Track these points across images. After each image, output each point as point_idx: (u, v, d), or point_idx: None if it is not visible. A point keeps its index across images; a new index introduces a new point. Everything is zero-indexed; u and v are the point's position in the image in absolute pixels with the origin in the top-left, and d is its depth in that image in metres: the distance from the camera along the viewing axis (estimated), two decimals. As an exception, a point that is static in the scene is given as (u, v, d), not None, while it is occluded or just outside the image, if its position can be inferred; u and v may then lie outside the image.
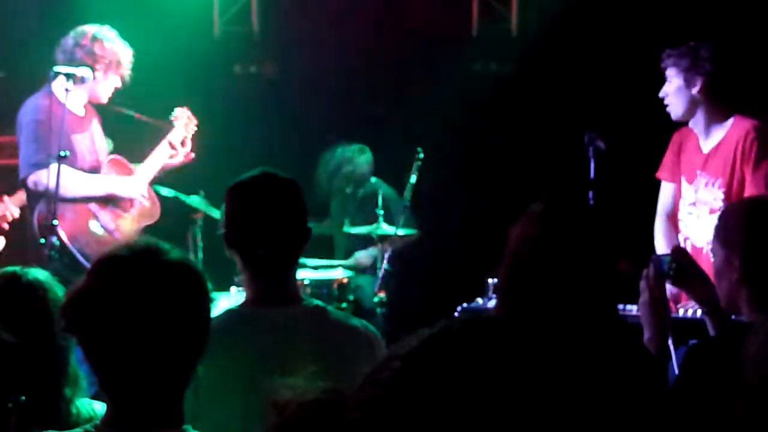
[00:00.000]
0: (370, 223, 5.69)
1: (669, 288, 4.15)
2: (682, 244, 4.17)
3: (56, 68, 4.55)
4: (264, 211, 2.59)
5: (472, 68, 6.10)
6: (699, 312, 3.87)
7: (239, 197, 2.64)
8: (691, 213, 4.15)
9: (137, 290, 1.80)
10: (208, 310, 1.90)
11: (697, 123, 4.09)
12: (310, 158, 5.80)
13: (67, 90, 4.50)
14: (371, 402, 1.17)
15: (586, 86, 5.71)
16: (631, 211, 4.50)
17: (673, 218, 4.29)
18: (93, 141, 4.84)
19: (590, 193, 4.34)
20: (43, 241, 4.35)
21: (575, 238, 2.19)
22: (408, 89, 6.08)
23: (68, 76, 4.52)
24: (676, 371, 2.76)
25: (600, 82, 5.67)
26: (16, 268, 2.49)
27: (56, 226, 4.33)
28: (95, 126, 4.90)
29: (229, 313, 2.65)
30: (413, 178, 5.32)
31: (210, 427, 1.90)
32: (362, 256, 5.79)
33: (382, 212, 5.48)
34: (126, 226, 4.83)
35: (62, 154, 4.32)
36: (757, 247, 2.50)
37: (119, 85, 4.82)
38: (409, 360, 1.16)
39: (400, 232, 5.36)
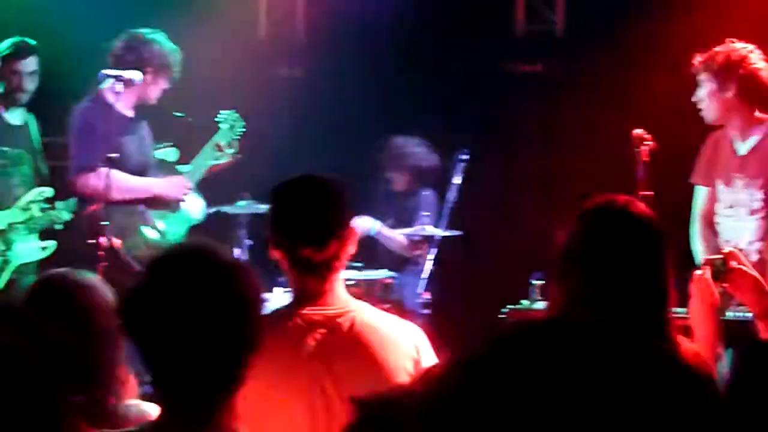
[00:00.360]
0: (407, 222, 5.73)
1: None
2: (722, 247, 4.13)
3: (105, 71, 4.60)
4: (307, 213, 2.59)
5: (515, 68, 6.07)
6: (744, 315, 3.86)
7: (283, 199, 2.64)
8: (730, 215, 4.12)
9: (192, 291, 1.81)
10: (261, 311, 1.90)
11: (732, 126, 4.07)
12: (355, 159, 5.78)
13: (116, 92, 4.55)
14: (441, 404, 1.19)
15: (632, 86, 5.65)
16: (679, 211, 4.45)
17: (708, 221, 4.27)
18: (142, 142, 4.89)
19: (638, 194, 4.30)
20: (91, 242, 4.41)
21: (627, 238, 2.16)
22: (451, 90, 6.07)
23: (118, 78, 4.57)
24: (726, 373, 2.72)
25: (647, 82, 5.61)
26: (66, 270, 2.50)
27: (105, 227, 4.38)
28: (144, 128, 4.95)
29: (274, 314, 2.63)
30: (457, 179, 5.31)
31: (253, 425, 1.90)
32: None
33: (427, 213, 5.49)
34: (173, 226, 4.87)
35: (111, 156, 4.37)
36: None
37: (167, 86, 4.86)
38: (477, 366, 1.19)
39: (444, 232, 5.35)
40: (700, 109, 4.10)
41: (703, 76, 4.02)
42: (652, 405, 1.47)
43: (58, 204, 5.13)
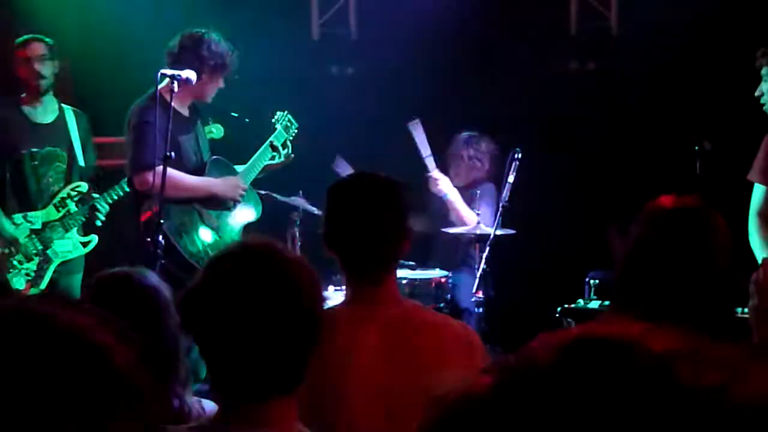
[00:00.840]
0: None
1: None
2: None
3: (162, 71, 4.63)
4: (362, 212, 2.55)
5: (569, 66, 6.01)
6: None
7: (338, 198, 2.61)
8: None
9: (252, 289, 1.79)
10: (321, 308, 1.87)
11: None
12: (406, 155, 5.76)
13: (173, 92, 4.57)
14: (511, 412, 1.17)
15: (689, 86, 5.56)
16: (737, 211, 4.39)
17: (765, 219, 4.21)
18: (197, 141, 4.91)
19: (696, 194, 4.25)
20: (149, 239, 4.43)
21: (692, 241, 2.13)
22: (506, 88, 6.02)
23: (174, 78, 4.60)
24: None
25: (703, 81, 5.52)
26: (127, 269, 2.51)
27: (162, 225, 4.41)
28: (199, 127, 4.97)
29: (328, 313, 2.62)
30: (511, 178, 5.26)
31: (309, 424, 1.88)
32: None
33: (479, 212, 5.45)
34: (228, 225, 4.89)
35: (168, 155, 4.40)
36: None
37: (222, 86, 4.88)
38: (550, 371, 1.17)
39: (498, 231, 5.31)
40: (761, 105, 4.03)
41: (765, 70, 3.93)
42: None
43: (96, 197, 5.18)
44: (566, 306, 4.31)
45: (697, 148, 4.27)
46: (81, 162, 5.28)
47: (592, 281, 4.21)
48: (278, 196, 5.10)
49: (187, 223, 4.73)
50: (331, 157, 5.57)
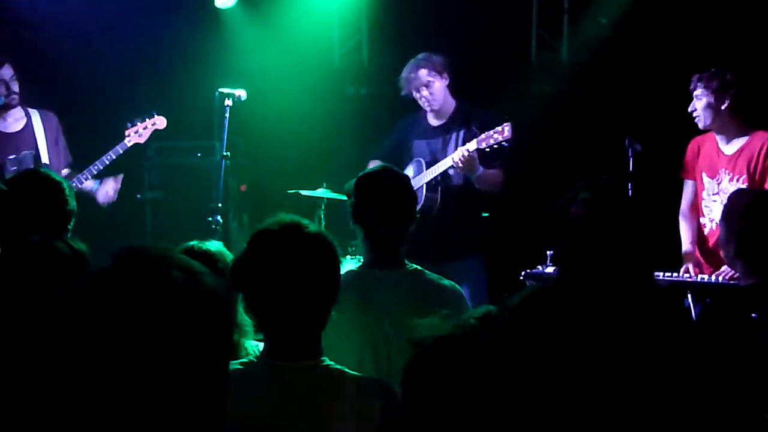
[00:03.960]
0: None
1: (693, 256, 4.09)
2: (707, 226, 4.11)
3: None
4: (386, 197, 2.61)
5: (531, 90, 6.00)
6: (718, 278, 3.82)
7: (368, 185, 2.66)
8: (715, 200, 4.09)
9: (285, 256, 1.81)
10: (339, 270, 1.91)
11: (722, 131, 4.03)
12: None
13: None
14: (490, 341, 1.21)
15: (625, 101, 5.56)
16: (662, 201, 4.40)
17: (694, 209, 4.22)
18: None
19: (629, 185, 4.27)
20: (210, 219, 4.43)
21: (617, 217, 2.15)
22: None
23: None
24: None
25: (636, 96, 5.53)
26: (195, 242, 2.50)
27: (219, 207, 4.42)
28: None
29: (351, 274, 2.66)
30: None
31: (333, 359, 1.93)
32: None
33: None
34: None
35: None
36: (750, 232, 2.63)
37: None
38: (515, 312, 1.22)
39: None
40: (693, 118, 4.04)
41: (699, 92, 3.97)
42: (644, 349, 1.49)
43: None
44: (528, 271, 4.34)
45: (630, 150, 4.27)
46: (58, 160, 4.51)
47: (548, 252, 4.24)
48: (303, 192, 5.01)
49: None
50: (345, 157, 5.53)
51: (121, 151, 4.51)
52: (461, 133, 4.37)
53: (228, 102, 4.50)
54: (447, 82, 4.44)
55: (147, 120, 4.61)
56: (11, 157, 4.37)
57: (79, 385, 0.94)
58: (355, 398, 1.81)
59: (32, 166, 4.28)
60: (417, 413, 1.27)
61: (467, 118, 4.42)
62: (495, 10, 5.87)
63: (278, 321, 1.82)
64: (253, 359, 1.89)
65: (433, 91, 4.38)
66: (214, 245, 2.51)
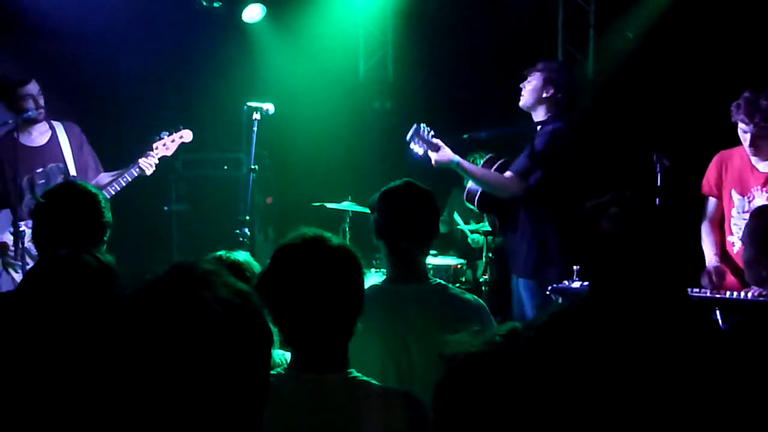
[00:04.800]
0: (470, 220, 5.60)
1: (719, 269, 3.98)
2: (736, 245, 3.97)
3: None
4: (408, 213, 2.57)
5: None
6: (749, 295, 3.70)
7: (390, 200, 2.61)
8: (746, 218, 3.94)
9: (309, 270, 1.79)
10: (363, 282, 1.87)
11: (760, 151, 3.86)
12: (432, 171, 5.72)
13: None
14: (518, 359, 1.18)
15: (652, 116, 5.48)
16: (690, 217, 4.30)
17: (716, 226, 4.09)
18: None
19: (657, 200, 4.16)
20: (237, 231, 4.42)
21: (646, 232, 2.07)
22: (495, 121, 5.97)
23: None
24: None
25: (664, 111, 5.44)
26: (223, 252, 2.48)
27: (246, 219, 4.39)
28: None
29: (373, 288, 2.60)
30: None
31: (359, 370, 1.89)
32: None
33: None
34: None
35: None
36: None
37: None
38: (540, 331, 1.19)
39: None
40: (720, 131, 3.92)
41: (744, 127, 3.80)
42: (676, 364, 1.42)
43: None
44: (555, 286, 4.24)
45: (658, 165, 4.17)
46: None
47: (575, 267, 4.14)
48: (328, 204, 5.02)
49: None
50: (370, 170, 5.53)
51: (138, 172, 4.36)
52: None
53: (256, 116, 4.50)
54: None
55: (174, 133, 4.59)
56: (39, 170, 4.34)
57: (127, 394, 0.97)
58: (382, 410, 1.80)
59: (60, 179, 4.31)
60: (449, 429, 1.24)
61: None
62: (521, 26, 5.83)
63: (304, 334, 1.81)
64: (281, 371, 1.87)
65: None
66: (242, 255, 2.50)
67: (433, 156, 3.98)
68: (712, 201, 4.13)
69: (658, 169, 4.17)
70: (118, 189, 4.33)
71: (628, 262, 2.02)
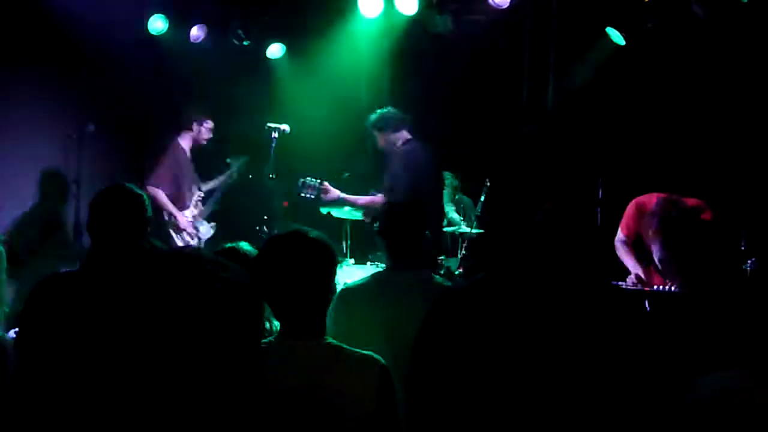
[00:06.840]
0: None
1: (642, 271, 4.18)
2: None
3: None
4: (406, 224, 2.86)
5: (522, 128, 6.03)
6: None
7: (391, 212, 2.91)
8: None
9: (290, 256, 1.87)
10: (335, 266, 1.95)
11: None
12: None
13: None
14: (426, 333, 1.48)
15: (597, 142, 5.61)
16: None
17: (630, 246, 4.17)
18: None
19: (598, 210, 4.49)
20: (257, 228, 4.78)
21: (568, 220, 1.94)
22: (479, 142, 6.13)
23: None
24: None
25: (606, 140, 5.58)
26: (234, 243, 2.67)
27: (266, 220, 4.78)
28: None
29: (375, 276, 2.88)
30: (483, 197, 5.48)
31: (354, 346, 1.95)
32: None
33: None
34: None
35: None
36: (684, 257, 2.72)
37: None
38: (443, 300, 1.47)
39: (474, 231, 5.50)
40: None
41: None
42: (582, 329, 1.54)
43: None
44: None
45: (599, 180, 4.43)
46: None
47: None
48: (334, 214, 4.95)
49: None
50: (370, 183, 5.43)
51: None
52: None
53: (275, 134, 4.87)
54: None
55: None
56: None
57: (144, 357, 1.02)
58: (353, 371, 1.83)
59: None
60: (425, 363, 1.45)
61: None
62: (492, 67, 6.03)
63: (287, 307, 1.86)
64: (272, 339, 1.92)
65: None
66: (246, 245, 2.69)
67: (323, 197, 4.50)
68: (628, 238, 4.25)
69: (599, 184, 4.55)
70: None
71: (548, 244, 1.90)
